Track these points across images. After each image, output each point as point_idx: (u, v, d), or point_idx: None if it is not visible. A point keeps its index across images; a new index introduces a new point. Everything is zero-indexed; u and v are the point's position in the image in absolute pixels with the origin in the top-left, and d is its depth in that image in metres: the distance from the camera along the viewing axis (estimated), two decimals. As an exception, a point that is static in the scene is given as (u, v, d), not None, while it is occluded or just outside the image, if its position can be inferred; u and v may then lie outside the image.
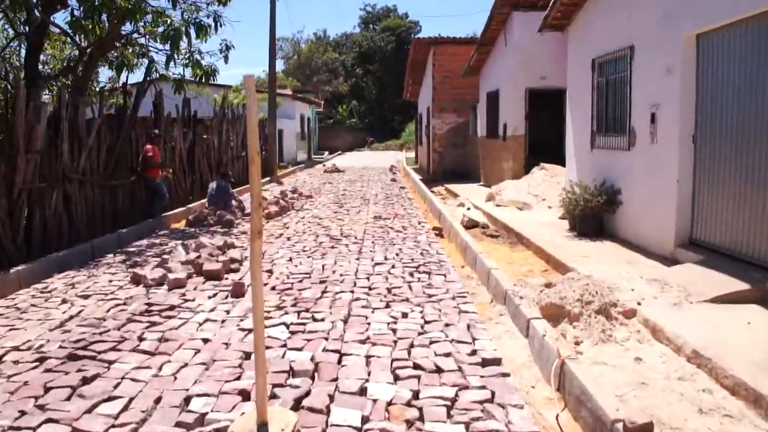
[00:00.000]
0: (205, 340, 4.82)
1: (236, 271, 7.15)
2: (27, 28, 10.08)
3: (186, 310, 5.69)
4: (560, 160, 13.91)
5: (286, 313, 5.47)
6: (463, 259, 8.20)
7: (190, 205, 13.20)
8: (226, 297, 6.07)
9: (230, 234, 10.03)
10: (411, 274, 6.90)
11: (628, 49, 8.26)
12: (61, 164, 9.07)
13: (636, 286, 6.01)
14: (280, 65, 67.06)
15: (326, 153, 46.89)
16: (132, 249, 9.00)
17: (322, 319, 5.24)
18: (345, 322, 5.20)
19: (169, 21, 9.95)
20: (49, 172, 8.88)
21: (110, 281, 6.93)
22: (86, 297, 6.27)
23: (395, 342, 4.68)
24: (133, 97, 11.41)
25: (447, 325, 5.10)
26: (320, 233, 9.88)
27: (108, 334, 4.98)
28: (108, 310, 5.72)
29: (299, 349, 4.55)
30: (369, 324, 5.12)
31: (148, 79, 11.38)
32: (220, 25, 10.29)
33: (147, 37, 10.73)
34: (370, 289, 6.27)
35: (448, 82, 21.89)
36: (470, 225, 10.88)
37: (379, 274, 6.91)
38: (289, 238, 9.46)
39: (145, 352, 4.59)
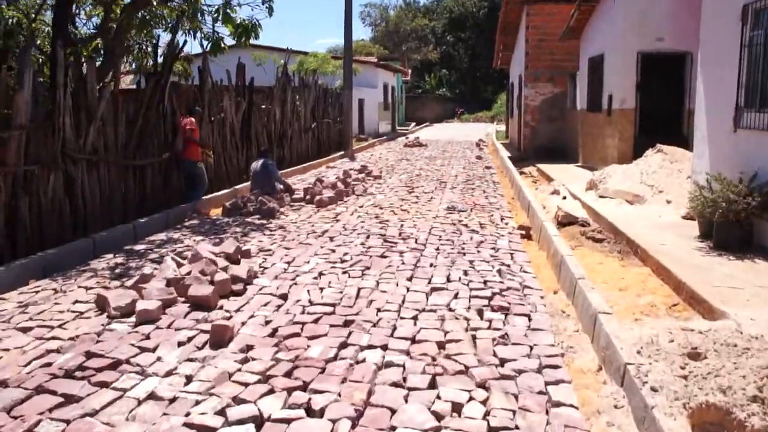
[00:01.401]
0: (121, 449, 2.92)
1: (238, 295, 5.20)
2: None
3: (134, 369, 3.80)
4: (678, 141, 11.37)
5: (272, 390, 3.47)
6: (557, 278, 6.00)
7: (238, 187, 11.46)
8: (203, 345, 4.16)
9: (264, 228, 8.15)
10: (479, 313, 4.73)
11: (809, -13, 5.74)
12: (59, 141, 7.42)
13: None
14: (367, 33, 65.18)
15: (413, 124, 44.64)
16: (140, 247, 7.29)
17: (320, 412, 3.21)
18: (356, 421, 3.16)
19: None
20: (45, 151, 7.28)
21: (75, 302, 5.16)
22: (25, 330, 4.53)
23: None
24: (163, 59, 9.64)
25: (526, 439, 2.99)
26: (374, 232, 7.82)
27: (-16, 423, 3.18)
28: (28, 363, 3.91)
29: (254, 497, 2.57)
30: (394, 430, 3.07)
31: (179, 40, 9.66)
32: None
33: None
34: (413, 342, 4.17)
35: (543, 47, 19.20)
36: (566, 221, 8.63)
37: (432, 311, 4.79)
38: (332, 238, 7.47)
39: (9, 473, 2.75)
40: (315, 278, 5.71)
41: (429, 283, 5.55)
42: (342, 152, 19.76)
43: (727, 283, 5.40)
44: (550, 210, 9.45)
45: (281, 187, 10.60)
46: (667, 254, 6.31)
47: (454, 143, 25.73)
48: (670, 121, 12.96)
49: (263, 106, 14.08)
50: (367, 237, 7.50)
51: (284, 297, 5.14)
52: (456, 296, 5.16)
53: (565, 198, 10.64)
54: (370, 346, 4.08)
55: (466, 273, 5.89)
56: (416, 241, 7.27)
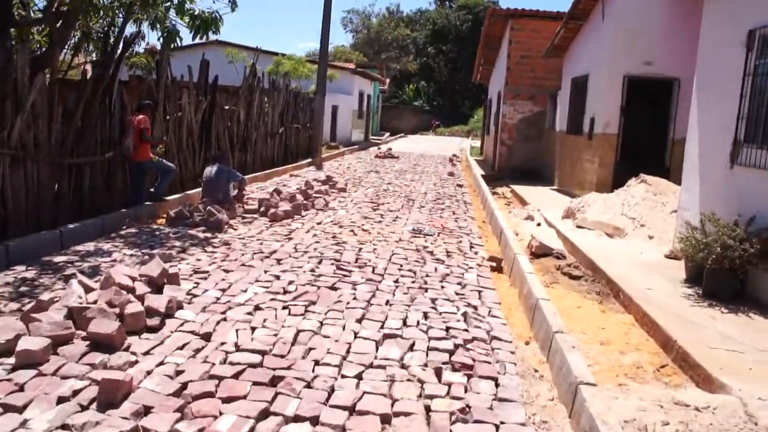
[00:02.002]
0: None
1: (153, 331, 4.35)
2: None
3: (-14, 439, 2.96)
4: (660, 171, 10.83)
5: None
6: (530, 324, 5.27)
7: (190, 192, 10.57)
8: (89, 404, 3.31)
9: (207, 244, 7.30)
10: (438, 373, 3.93)
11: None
12: (-26, 133, 6.52)
13: None
14: (348, 39, 64.47)
15: (387, 134, 43.95)
16: (61, 258, 6.38)
17: None
18: None
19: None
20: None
21: (-47, 331, 4.27)
22: None
23: None
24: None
25: None
26: (328, 255, 7.01)
27: None
28: None
29: None
30: None
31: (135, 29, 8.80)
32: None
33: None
34: (351, 413, 3.37)
35: (525, 64, 18.60)
36: (540, 252, 7.94)
37: (381, 368, 3.97)
38: (279, 261, 6.64)
39: None
40: (249, 313, 4.85)
41: (382, 327, 4.73)
42: (309, 160, 18.93)
43: (723, 344, 4.71)
44: (523, 237, 8.75)
45: (234, 193, 9.76)
46: (653, 302, 5.63)
47: (426, 157, 25.04)
48: (653, 150, 12.40)
49: (227, 107, 13.20)
50: (320, 262, 6.68)
51: (207, 337, 4.30)
52: (412, 347, 4.36)
53: (539, 225, 9.97)
54: (297, 418, 3.25)
55: (426, 316, 5.08)
56: (373, 270, 6.46)
